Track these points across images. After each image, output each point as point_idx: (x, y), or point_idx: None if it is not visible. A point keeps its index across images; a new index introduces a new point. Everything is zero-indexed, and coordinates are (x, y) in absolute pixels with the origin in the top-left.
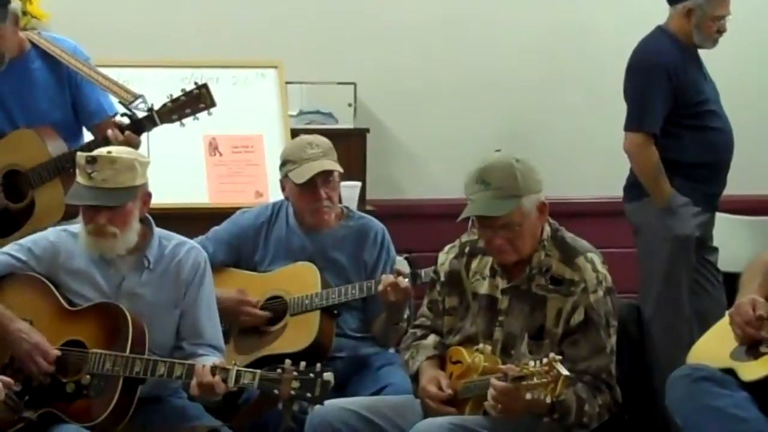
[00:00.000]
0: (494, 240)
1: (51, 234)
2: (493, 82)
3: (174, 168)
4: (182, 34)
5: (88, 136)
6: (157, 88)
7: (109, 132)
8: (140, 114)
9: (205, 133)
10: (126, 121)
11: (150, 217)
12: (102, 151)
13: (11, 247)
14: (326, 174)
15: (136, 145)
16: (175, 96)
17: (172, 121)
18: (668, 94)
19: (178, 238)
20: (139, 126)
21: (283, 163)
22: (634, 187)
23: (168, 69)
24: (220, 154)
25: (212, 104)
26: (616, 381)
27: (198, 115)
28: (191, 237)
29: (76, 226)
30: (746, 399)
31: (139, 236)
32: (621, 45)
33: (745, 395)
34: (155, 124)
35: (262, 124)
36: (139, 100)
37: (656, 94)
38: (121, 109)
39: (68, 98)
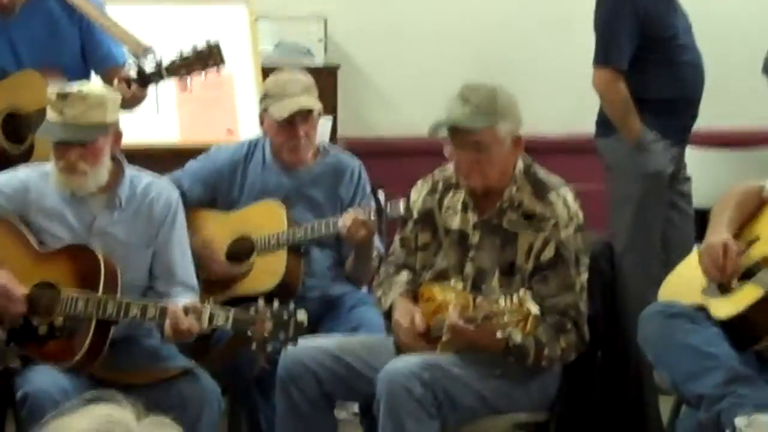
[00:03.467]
0: (462, 158)
1: (21, 173)
2: (467, 18)
3: (145, 106)
4: None
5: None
6: (125, 26)
7: (115, 83)
8: (149, 67)
9: None
10: (133, 74)
11: (121, 156)
12: (73, 87)
13: None
14: (305, 112)
15: (141, 99)
16: (185, 53)
17: (180, 75)
18: (635, 28)
19: (149, 176)
20: (146, 79)
21: (263, 98)
22: (604, 122)
23: (136, 6)
24: (191, 92)
25: (221, 62)
26: (585, 319)
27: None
28: (163, 174)
29: (48, 165)
30: (717, 335)
31: (111, 175)
32: None
33: (716, 331)
34: (162, 78)
35: (232, 61)
36: (149, 53)
37: (622, 27)
38: (131, 59)
39: (78, 41)
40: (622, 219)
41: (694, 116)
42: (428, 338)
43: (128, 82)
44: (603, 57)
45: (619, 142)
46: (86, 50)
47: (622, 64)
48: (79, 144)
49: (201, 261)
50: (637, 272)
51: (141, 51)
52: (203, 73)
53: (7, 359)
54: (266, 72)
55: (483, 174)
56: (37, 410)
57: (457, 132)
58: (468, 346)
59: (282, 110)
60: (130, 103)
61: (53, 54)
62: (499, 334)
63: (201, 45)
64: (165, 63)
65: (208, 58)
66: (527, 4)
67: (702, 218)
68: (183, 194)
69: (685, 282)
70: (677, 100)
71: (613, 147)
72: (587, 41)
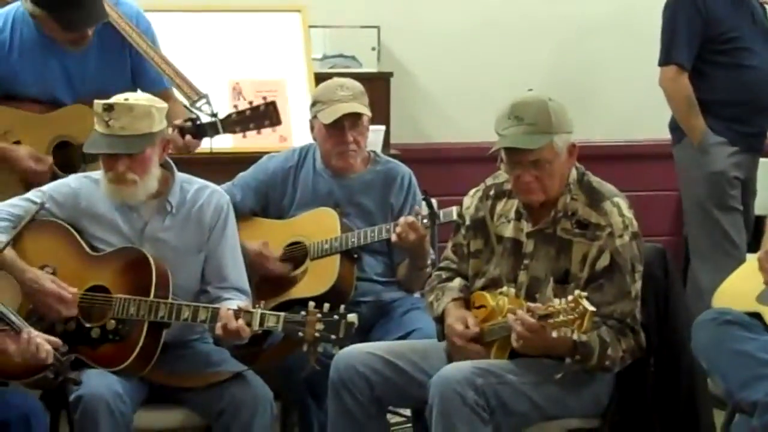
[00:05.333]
0: (523, 177)
1: (72, 180)
2: (518, 25)
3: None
4: None
5: None
6: (179, 32)
7: (170, 131)
8: (202, 115)
9: (230, 78)
10: (188, 124)
11: (171, 162)
12: (119, 98)
13: (33, 193)
14: (354, 117)
15: (193, 150)
16: (241, 108)
17: (234, 131)
18: (696, 24)
19: (199, 182)
20: (200, 131)
21: (313, 103)
22: (674, 129)
23: (191, 13)
24: (245, 99)
25: (278, 122)
26: (640, 326)
27: (263, 130)
28: (216, 182)
29: (98, 173)
30: None
31: (161, 181)
32: None
33: None
34: (218, 132)
35: (285, 68)
36: (203, 100)
37: (684, 26)
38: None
39: (128, 65)
40: (694, 227)
41: (761, 123)
42: (481, 342)
43: (182, 131)
44: (666, 55)
45: (687, 147)
46: (135, 74)
47: (684, 60)
48: (127, 155)
49: (258, 260)
50: (714, 278)
51: (195, 97)
52: (258, 130)
53: (62, 372)
54: (320, 80)
55: (544, 189)
56: (90, 413)
57: (515, 152)
58: (541, 346)
59: (330, 114)
60: (181, 151)
61: (106, 84)
62: (554, 334)
63: (258, 103)
64: (221, 116)
65: (264, 116)
66: (585, 14)
67: (757, 225)
68: (235, 205)
69: (739, 289)
70: (741, 104)
71: (681, 152)
72: (649, 53)
